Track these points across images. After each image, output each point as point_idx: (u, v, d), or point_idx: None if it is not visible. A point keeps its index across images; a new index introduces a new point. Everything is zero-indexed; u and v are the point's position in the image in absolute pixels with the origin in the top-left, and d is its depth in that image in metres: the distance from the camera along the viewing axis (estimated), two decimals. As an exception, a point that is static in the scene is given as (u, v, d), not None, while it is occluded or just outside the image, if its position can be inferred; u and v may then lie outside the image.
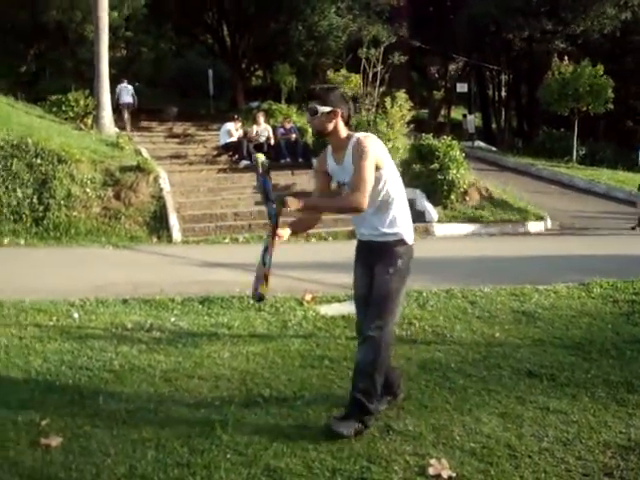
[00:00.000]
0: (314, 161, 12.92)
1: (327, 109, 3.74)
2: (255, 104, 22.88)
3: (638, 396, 4.29)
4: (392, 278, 3.77)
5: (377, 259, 3.83)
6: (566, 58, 23.78)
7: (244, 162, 15.74)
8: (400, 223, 3.81)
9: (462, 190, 13.68)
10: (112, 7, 19.41)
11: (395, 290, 3.78)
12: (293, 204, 3.58)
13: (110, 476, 3.27)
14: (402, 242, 3.81)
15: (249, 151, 16.16)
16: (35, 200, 11.71)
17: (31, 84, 23.41)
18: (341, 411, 3.88)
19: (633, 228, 13.39)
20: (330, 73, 21.95)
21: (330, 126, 3.77)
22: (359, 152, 3.66)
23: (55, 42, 23.48)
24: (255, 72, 32.24)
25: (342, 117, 3.77)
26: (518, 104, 37.44)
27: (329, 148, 3.91)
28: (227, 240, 11.48)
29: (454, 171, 13.43)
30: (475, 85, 38.02)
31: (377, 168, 3.69)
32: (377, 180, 3.70)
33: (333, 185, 3.98)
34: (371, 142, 3.71)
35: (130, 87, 21.07)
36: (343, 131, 3.80)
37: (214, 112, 24.27)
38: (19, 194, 11.61)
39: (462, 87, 32.48)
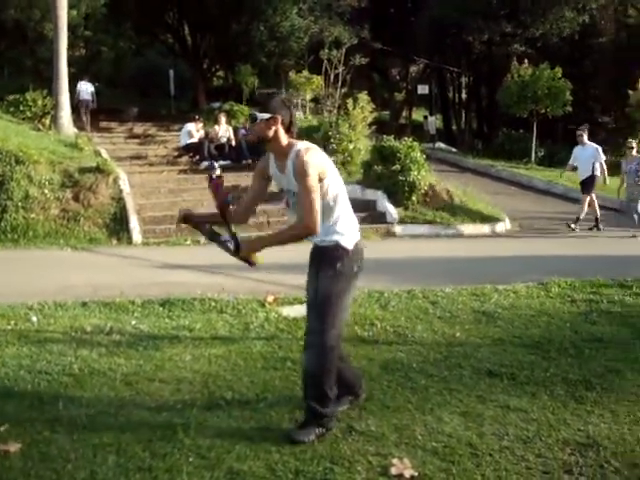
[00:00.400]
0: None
1: (266, 116, 3.70)
2: (216, 105, 22.78)
3: (596, 394, 4.37)
4: (332, 281, 3.74)
5: (320, 263, 3.83)
6: (525, 61, 24.12)
7: (205, 163, 15.65)
8: (340, 229, 3.80)
9: (423, 191, 13.78)
10: (71, 6, 19.18)
11: (336, 293, 3.74)
12: (249, 250, 3.68)
13: (70, 482, 3.23)
14: (341, 247, 3.79)
15: (210, 152, 16.09)
16: (-9, 201, 11.51)
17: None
18: (302, 411, 3.89)
19: (590, 229, 13.50)
20: (292, 74, 21.98)
21: (270, 133, 3.71)
22: (301, 171, 3.61)
23: (14, 41, 23.14)
24: (216, 72, 32.11)
25: (282, 124, 3.72)
26: (478, 106, 37.86)
27: (271, 155, 3.86)
28: (188, 242, 11.39)
29: (415, 172, 13.51)
30: (436, 87, 38.34)
31: (320, 179, 3.67)
32: (320, 190, 3.70)
33: (272, 187, 4.00)
34: (311, 155, 3.66)
35: (90, 85, 20.83)
36: (284, 138, 3.74)
37: (175, 112, 24.12)
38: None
39: (423, 89, 32.71)
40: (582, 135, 13.94)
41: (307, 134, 16.20)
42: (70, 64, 18.60)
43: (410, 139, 14.38)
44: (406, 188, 13.49)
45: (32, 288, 7.50)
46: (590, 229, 13.47)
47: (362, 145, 15.35)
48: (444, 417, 4.01)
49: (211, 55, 29.36)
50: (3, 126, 14.69)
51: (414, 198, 13.61)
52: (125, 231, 11.62)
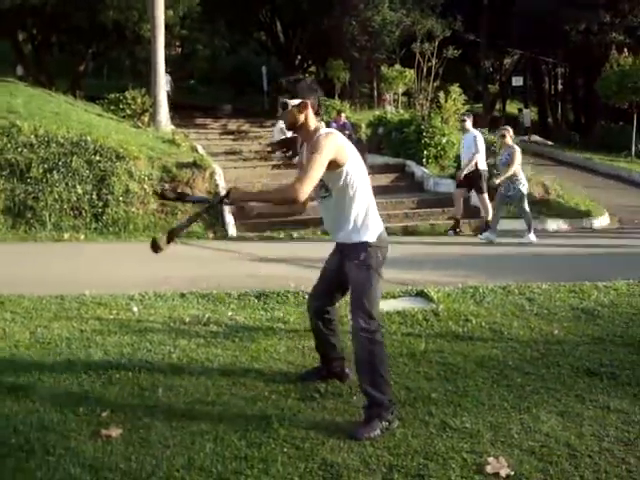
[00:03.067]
0: (367, 156, 12.84)
1: (296, 102, 3.77)
2: (309, 100, 22.93)
3: (703, 396, 4.18)
4: (360, 271, 3.86)
5: (347, 255, 3.93)
6: (625, 50, 23.22)
7: (297, 158, 15.79)
8: (362, 226, 3.87)
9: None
10: (168, 6, 19.67)
11: (366, 282, 3.86)
12: (238, 197, 3.84)
13: (169, 467, 3.33)
14: (366, 243, 3.86)
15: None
16: (94, 196, 11.96)
17: (90, 83, 23.93)
18: (397, 406, 3.91)
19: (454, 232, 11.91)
20: (384, 68, 21.88)
21: (301, 118, 3.81)
22: (314, 146, 3.68)
23: (113, 42, 23.95)
24: (308, 68, 32.34)
25: (312, 107, 3.82)
26: (575, 97, 36.74)
27: (304, 145, 3.98)
28: (282, 235, 11.54)
29: (510, 166, 13.22)
30: (531, 78, 37.43)
31: (338, 165, 3.71)
32: (338, 176, 3.75)
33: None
34: (331, 139, 3.70)
35: (168, 76, 21.28)
36: (312, 122, 3.84)
37: (268, 109, 24.42)
38: (79, 190, 11.87)
39: (517, 81, 32.01)
40: (465, 121, 12.01)
41: (399, 128, 16.14)
42: (167, 63, 19.10)
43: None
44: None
45: (133, 279, 7.76)
46: (446, 231, 11.94)
47: (455, 138, 15.14)
48: (541, 416, 3.92)
49: (303, 51, 29.61)
50: (104, 124, 15.25)
51: (509, 192, 13.32)
52: (221, 225, 11.88)
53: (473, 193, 12.34)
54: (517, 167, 10.79)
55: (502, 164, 11.09)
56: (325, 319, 4.28)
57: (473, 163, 11.57)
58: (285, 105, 3.80)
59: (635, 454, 3.45)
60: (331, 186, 3.82)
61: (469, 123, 11.90)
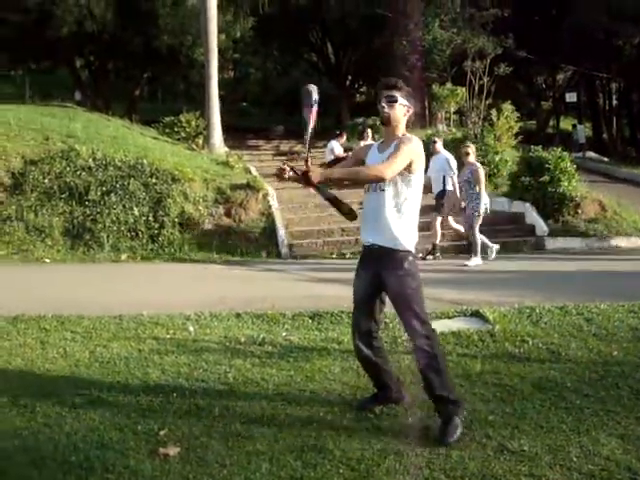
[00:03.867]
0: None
1: (405, 102, 3.89)
2: (360, 120, 23.02)
3: None
4: (405, 280, 3.97)
5: (386, 265, 4.00)
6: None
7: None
8: (404, 232, 3.96)
9: (574, 203, 13.28)
10: (221, 31, 20.04)
11: (413, 291, 3.98)
12: (316, 177, 3.80)
13: (226, 487, 3.36)
14: (406, 250, 3.97)
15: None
16: (151, 218, 12.19)
17: (145, 107, 24.43)
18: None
19: (424, 257, 11.05)
20: (435, 87, 21.85)
21: (403, 119, 3.96)
22: (402, 142, 3.85)
23: (167, 66, 24.45)
24: (359, 88, 32.48)
25: (410, 115, 3.98)
26: (630, 113, 36.06)
27: (375, 145, 4.15)
28: (334, 255, 11.58)
29: (565, 183, 13.07)
30: (584, 94, 36.90)
31: (410, 169, 3.87)
32: (405, 178, 3.89)
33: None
34: (419, 144, 3.90)
35: None
36: (404, 127, 3.99)
37: (319, 129, 24.56)
38: (136, 212, 12.12)
39: (571, 97, 31.60)
40: (435, 142, 11.73)
41: (451, 147, 16.07)
42: (220, 86, 19.42)
43: (559, 149, 13.92)
44: (556, 200, 13.07)
45: (189, 299, 7.87)
46: (424, 258, 10.97)
47: (509, 156, 15.03)
48: (601, 439, 3.84)
49: (354, 71, 29.72)
50: (160, 147, 15.56)
51: (564, 210, 13.15)
52: (274, 245, 11.99)
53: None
54: (482, 186, 10.55)
55: (464, 182, 10.79)
56: (374, 347, 4.25)
57: (451, 184, 11.26)
58: (396, 100, 3.89)
59: (699, 479, 3.36)
60: (393, 184, 3.92)
61: (440, 145, 11.74)
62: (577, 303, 7.10)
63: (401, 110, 3.93)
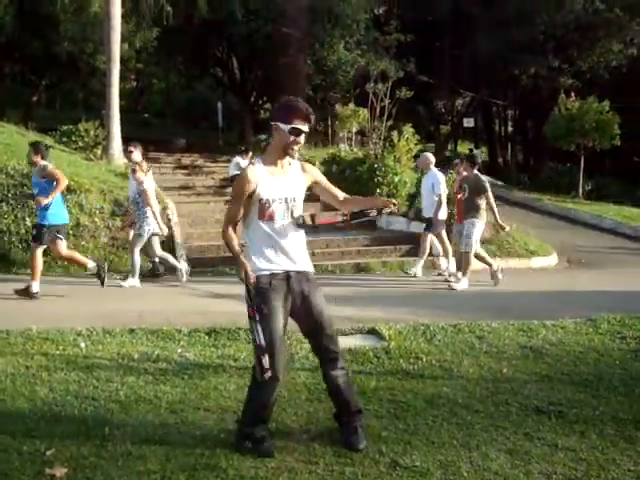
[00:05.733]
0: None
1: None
2: (263, 137, 23.06)
3: (647, 434, 4.26)
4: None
5: (312, 284, 4.11)
6: (572, 94, 23.92)
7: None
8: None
9: (469, 224, 13.65)
10: (124, 39, 19.68)
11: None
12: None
13: (115, 508, 3.26)
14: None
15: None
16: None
17: (42, 114, 23.67)
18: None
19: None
20: (338, 107, 22.14)
21: None
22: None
23: (67, 73, 23.80)
24: (264, 105, 32.56)
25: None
26: (524, 139, 37.67)
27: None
28: (234, 271, 11.47)
29: (461, 205, 13.41)
30: (482, 120, 38.29)
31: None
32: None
33: None
34: None
35: None
36: None
37: (223, 144, 24.46)
38: (28, 223, 11.64)
39: (469, 122, 32.72)
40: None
41: (352, 166, 16.29)
42: (121, 96, 19.04)
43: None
44: (452, 221, 13.40)
45: (81, 314, 7.63)
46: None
47: (408, 177, 15.33)
48: (490, 454, 3.95)
49: (259, 88, 29.80)
50: (56, 156, 15.00)
51: (460, 231, 13.49)
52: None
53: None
54: (153, 206, 10.05)
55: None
56: (333, 361, 4.15)
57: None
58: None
59: (582, 492, 3.50)
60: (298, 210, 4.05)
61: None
62: (470, 321, 7.31)
63: None
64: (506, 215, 15.80)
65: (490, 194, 10.38)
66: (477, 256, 10.72)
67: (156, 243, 10.38)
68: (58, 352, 5.98)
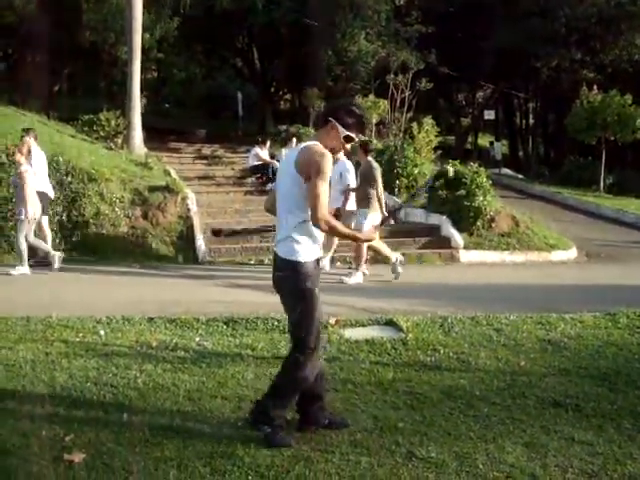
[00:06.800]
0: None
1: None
2: (283, 128, 23.04)
3: (665, 429, 4.24)
4: None
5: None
6: (595, 87, 23.70)
7: (270, 185, 15.82)
8: None
9: (489, 217, 13.62)
10: (145, 29, 19.72)
11: None
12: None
13: (131, 494, 3.29)
14: None
15: (275, 174, 16.25)
16: (64, 218, 11.86)
17: (64, 103, 23.80)
18: (364, 434, 3.89)
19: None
20: (358, 98, 22.08)
21: None
22: None
23: (88, 63, 23.88)
24: (284, 96, 32.55)
25: None
26: (545, 132, 37.40)
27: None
28: (253, 261, 11.52)
29: (481, 198, 13.37)
30: (502, 112, 38.05)
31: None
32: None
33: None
34: None
35: None
36: None
37: (242, 135, 24.45)
38: (49, 211, 11.74)
39: (489, 114, 32.51)
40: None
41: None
42: (142, 86, 19.09)
43: (476, 164, 14.27)
44: (471, 213, 13.36)
45: (101, 302, 7.70)
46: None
47: (427, 169, 15.29)
48: (507, 447, 3.94)
49: (279, 79, 29.81)
50: (77, 145, 15.16)
51: (479, 224, 13.46)
52: (191, 250, 11.82)
53: None
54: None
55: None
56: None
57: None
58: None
59: (598, 486, 3.48)
60: None
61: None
62: (487, 314, 7.28)
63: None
64: (525, 208, 15.77)
65: (380, 183, 9.85)
66: (371, 247, 10.05)
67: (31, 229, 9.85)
68: (78, 339, 6.03)
